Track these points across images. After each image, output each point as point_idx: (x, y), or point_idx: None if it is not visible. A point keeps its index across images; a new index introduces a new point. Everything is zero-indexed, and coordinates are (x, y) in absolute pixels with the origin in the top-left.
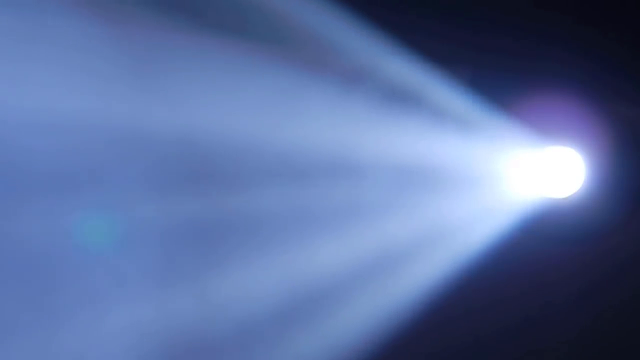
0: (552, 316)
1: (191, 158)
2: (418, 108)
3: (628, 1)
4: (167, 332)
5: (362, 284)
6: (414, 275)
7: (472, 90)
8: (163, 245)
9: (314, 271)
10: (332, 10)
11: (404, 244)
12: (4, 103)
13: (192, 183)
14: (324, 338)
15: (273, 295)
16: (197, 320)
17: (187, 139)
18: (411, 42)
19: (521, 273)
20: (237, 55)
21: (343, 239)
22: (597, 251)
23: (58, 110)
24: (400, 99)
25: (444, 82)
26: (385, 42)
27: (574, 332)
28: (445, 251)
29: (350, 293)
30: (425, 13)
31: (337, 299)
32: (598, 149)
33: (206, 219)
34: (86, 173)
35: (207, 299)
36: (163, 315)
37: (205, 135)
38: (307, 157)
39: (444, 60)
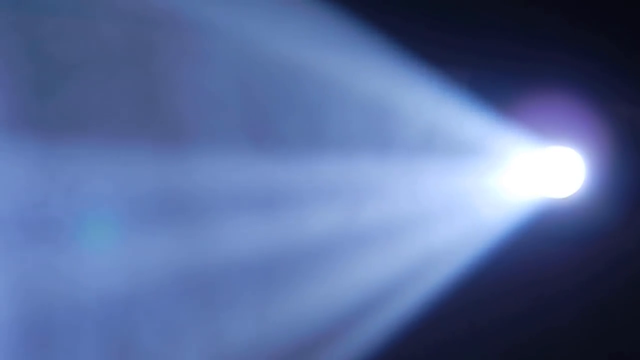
0: (552, 315)
1: None
2: (418, 110)
3: (627, 1)
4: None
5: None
6: (413, 273)
7: (472, 92)
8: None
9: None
10: (329, 13)
11: (399, 242)
12: None
13: None
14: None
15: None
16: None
17: None
18: (410, 45)
19: (521, 273)
20: None
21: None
22: (597, 251)
23: None
24: (401, 102)
25: (444, 84)
26: (385, 46)
27: (573, 332)
28: (445, 250)
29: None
30: (424, 17)
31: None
32: (598, 149)
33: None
34: None
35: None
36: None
37: None
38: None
39: (443, 62)
